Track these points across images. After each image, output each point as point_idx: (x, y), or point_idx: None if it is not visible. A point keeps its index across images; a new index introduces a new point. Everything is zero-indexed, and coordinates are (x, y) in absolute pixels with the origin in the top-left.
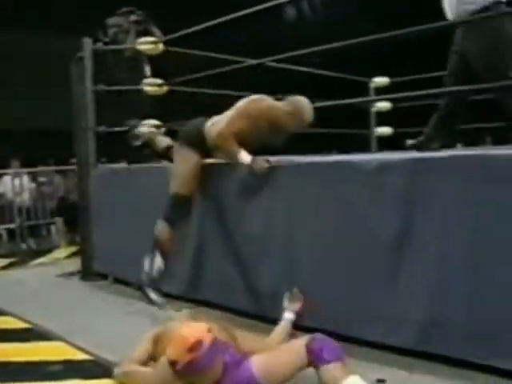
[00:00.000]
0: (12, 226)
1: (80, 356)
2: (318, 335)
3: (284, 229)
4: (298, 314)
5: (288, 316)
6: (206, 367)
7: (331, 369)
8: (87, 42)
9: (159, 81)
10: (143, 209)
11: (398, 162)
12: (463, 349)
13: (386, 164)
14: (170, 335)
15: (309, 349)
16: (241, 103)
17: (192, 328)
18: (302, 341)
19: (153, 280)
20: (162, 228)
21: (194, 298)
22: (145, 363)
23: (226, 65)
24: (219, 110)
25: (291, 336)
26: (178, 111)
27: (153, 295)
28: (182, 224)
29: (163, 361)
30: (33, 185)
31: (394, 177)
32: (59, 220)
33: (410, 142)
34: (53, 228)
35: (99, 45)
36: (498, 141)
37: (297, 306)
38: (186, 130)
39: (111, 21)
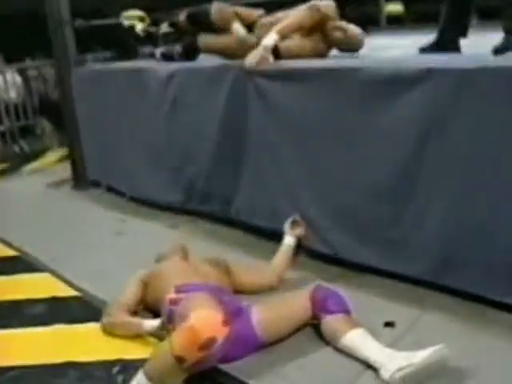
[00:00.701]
0: (1, 128)
1: (67, 292)
2: (323, 286)
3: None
4: (300, 240)
5: (289, 241)
6: (215, 361)
7: (335, 320)
8: None
9: None
10: (134, 112)
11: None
12: (480, 284)
13: (401, 74)
14: (160, 276)
15: (313, 299)
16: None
17: (205, 320)
18: (305, 291)
19: None
20: None
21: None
22: (133, 309)
23: None
24: None
25: (293, 262)
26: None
27: None
28: None
29: (166, 348)
30: (19, 79)
31: (410, 89)
32: (45, 122)
33: (423, 46)
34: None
35: None
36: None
37: (298, 231)
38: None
39: None
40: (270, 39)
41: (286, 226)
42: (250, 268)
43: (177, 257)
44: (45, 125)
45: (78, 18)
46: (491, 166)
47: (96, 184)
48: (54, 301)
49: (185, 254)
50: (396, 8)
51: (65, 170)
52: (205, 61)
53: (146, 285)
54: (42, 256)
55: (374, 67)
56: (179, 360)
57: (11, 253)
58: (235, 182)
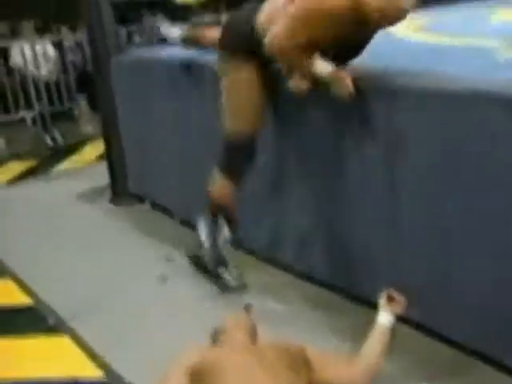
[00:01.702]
0: (31, 113)
1: (89, 371)
2: None
3: (386, 180)
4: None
5: (385, 320)
6: None
7: None
8: None
9: None
10: (189, 116)
11: None
12: None
13: None
14: (213, 372)
15: None
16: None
17: None
18: None
19: (219, 257)
20: (219, 184)
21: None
22: None
23: None
24: None
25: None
26: None
27: (226, 275)
28: (246, 173)
29: None
30: (52, 52)
31: None
32: (83, 102)
33: None
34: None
35: None
36: None
37: (397, 308)
38: (234, 24)
39: None
40: (322, 66)
41: (381, 302)
42: (334, 359)
43: (240, 337)
44: (83, 108)
45: None
46: None
47: (139, 197)
48: (71, 381)
49: (252, 335)
50: None
51: (105, 172)
52: None
53: (194, 381)
54: (61, 307)
55: None
56: None
57: (23, 299)
58: (317, 230)
